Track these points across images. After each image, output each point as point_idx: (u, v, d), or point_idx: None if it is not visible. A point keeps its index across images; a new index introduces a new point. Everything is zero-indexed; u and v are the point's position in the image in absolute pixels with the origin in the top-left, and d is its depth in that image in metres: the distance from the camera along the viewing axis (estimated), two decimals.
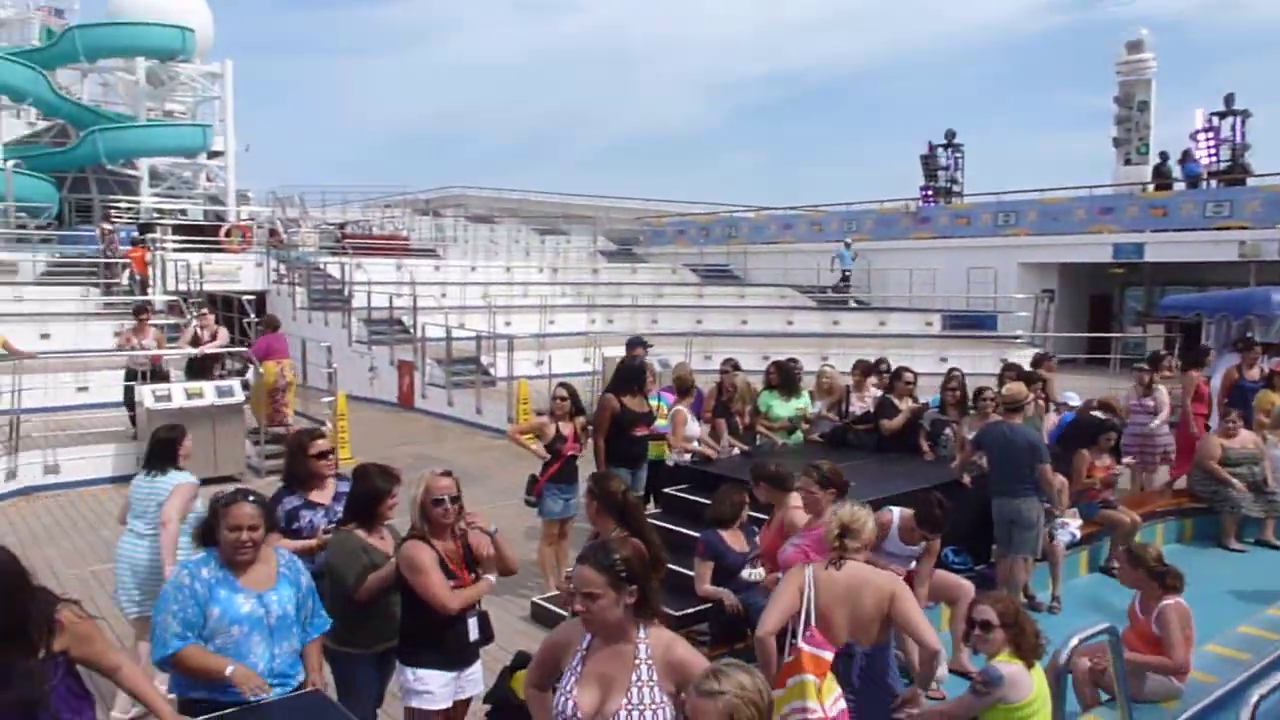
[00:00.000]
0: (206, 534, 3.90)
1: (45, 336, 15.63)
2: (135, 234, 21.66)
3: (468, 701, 4.59)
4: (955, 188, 29.46)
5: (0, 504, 10.69)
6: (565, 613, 5.90)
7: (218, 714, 3.65)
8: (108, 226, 21.44)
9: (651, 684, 3.06)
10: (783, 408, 8.97)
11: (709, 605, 5.99)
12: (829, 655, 4.00)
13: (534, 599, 7.48)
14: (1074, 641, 3.86)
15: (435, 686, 4.33)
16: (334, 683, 4.56)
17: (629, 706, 3.02)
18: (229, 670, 3.65)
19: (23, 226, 23.30)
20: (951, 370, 9.30)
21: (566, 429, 7.75)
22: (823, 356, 17.11)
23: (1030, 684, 4.42)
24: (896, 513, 6.12)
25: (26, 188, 24.42)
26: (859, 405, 9.32)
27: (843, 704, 4.00)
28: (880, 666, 4.32)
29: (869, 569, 4.32)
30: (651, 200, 39.07)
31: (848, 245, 26.16)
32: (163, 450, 5.94)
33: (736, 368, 9.41)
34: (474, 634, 4.41)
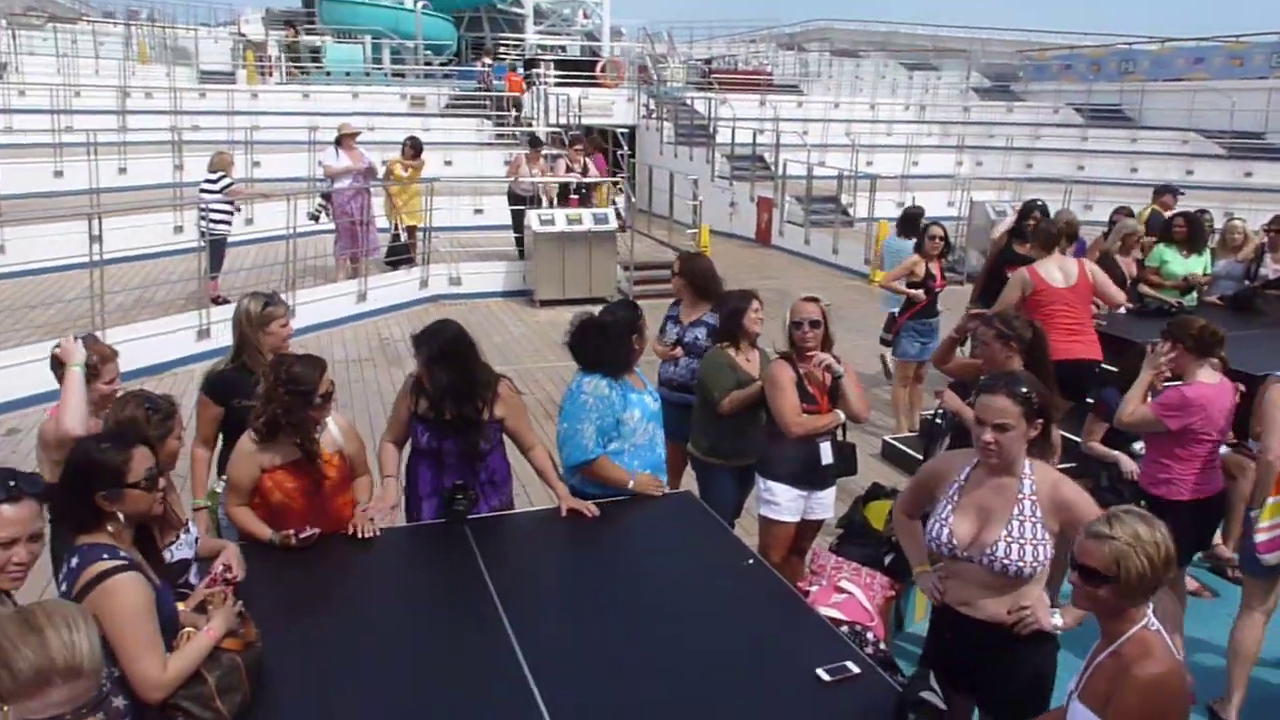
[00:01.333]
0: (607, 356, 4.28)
1: (448, 163, 17.37)
2: (508, 67, 23.35)
3: (818, 524, 4.78)
4: None
5: (415, 309, 12.29)
6: (915, 454, 5.90)
7: (606, 499, 4.10)
8: (487, 61, 23.15)
9: (1035, 519, 3.02)
10: (1180, 264, 8.08)
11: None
12: None
13: (886, 438, 7.53)
14: None
15: (784, 499, 4.56)
16: (698, 491, 4.93)
17: (1008, 539, 3.00)
18: (632, 481, 4.17)
19: (429, 63, 25.65)
20: None
21: (935, 268, 7.61)
22: (1228, 213, 15.10)
23: None
24: None
25: (431, 27, 26.79)
26: (1275, 268, 8.20)
27: None
28: None
29: None
30: (1034, 31, 35.39)
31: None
32: None
33: (1130, 215, 8.56)
34: (826, 458, 4.54)
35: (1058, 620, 3.02)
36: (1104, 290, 6.31)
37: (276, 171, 15.96)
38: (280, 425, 3.62)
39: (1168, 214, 9.79)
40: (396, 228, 13.17)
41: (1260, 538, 4.18)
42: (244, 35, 25.14)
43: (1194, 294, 8.10)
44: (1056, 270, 6.14)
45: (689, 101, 22.68)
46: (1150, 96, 26.01)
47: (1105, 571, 2.36)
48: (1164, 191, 11.16)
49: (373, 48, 25.93)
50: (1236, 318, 7.99)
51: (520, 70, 23.74)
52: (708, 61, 28.53)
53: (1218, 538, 5.39)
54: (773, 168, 18.26)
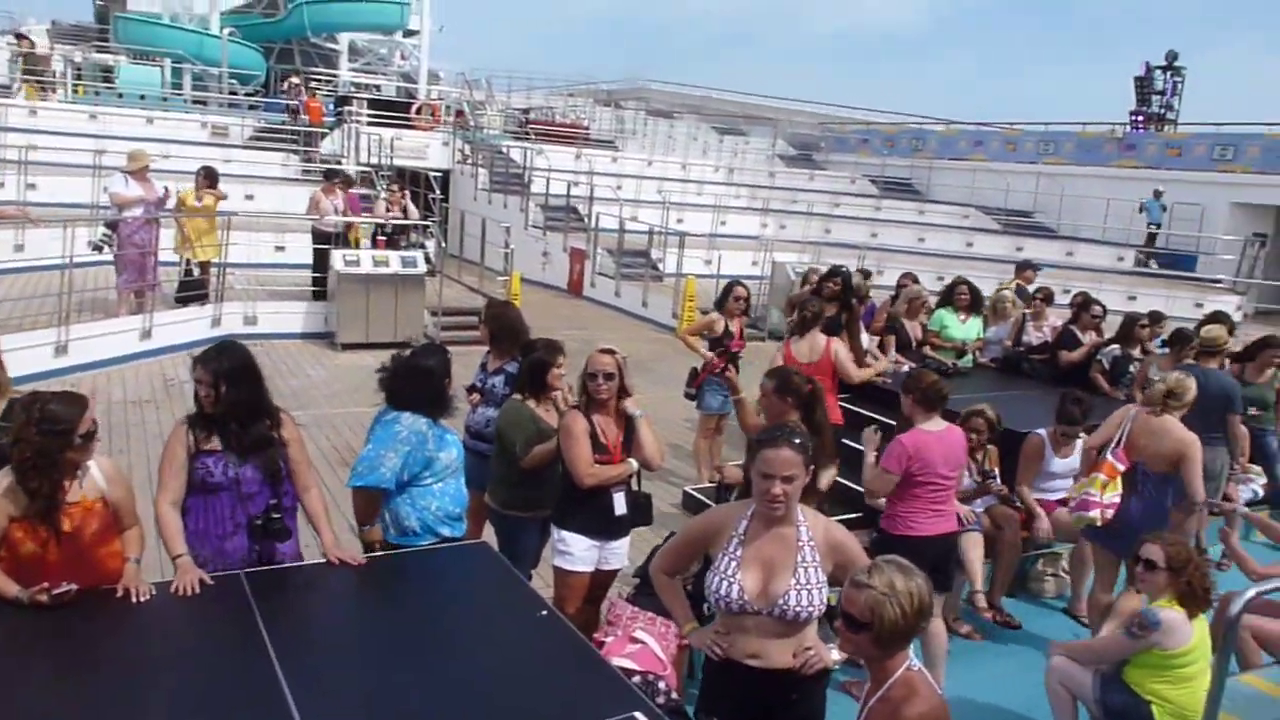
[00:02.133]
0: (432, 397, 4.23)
1: (250, 197, 16.65)
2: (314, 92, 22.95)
3: (613, 573, 4.78)
4: (1170, 115, 27.22)
5: (203, 346, 11.60)
6: (713, 504, 6.02)
7: (394, 552, 3.95)
8: (294, 81, 22.57)
9: (815, 564, 3.12)
10: (958, 329, 8.69)
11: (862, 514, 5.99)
12: (1123, 467, 5.50)
13: (686, 488, 7.65)
14: (1250, 594, 3.67)
15: (578, 549, 4.53)
16: (497, 543, 4.84)
17: (797, 587, 3.07)
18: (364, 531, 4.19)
19: (234, 93, 24.65)
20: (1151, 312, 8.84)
21: (735, 326, 7.84)
22: (1001, 282, 16.41)
23: (1189, 633, 4.25)
24: (1043, 431, 6.30)
25: (238, 56, 25.81)
26: (1035, 335, 8.94)
27: (1116, 500, 5.45)
28: (1160, 490, 5.54)
29: (1179, 426, 5.51)
30: (836, 106, 37.56)
31: (1158, 194, 22.37)
32: None
33: (915, 281, 9.15)
34: (620, 508, 4.55)
35: (836, 655, 3.13)
36: (843, 368, 6.92)
37: (56, 196, 14.87)
38: (31, 471, 3.28)
39: (1031, 287, 10.93)
40: (188, 263, 12.43)
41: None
42: (26, 45, 23.36)
43: (969, 356, 8.72)
44: (805, 347, 6.90)
45: (505, 150, 22.75)
46: (937, 173, 28.17)
47: (862, 619, 2.48)
48: (1025, 267, 12.20)
49: (173, 72, 24.71)
50: (1005, 379, 8.66)
51: (330, 106, 23.17)
52: (526, 111, 28.74)
53: (979, 584, 5.72)
54: (586, 220, 18.48)
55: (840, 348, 7.00)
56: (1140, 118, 27.06)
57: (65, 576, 3.30)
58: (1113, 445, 5.62)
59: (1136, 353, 8.08)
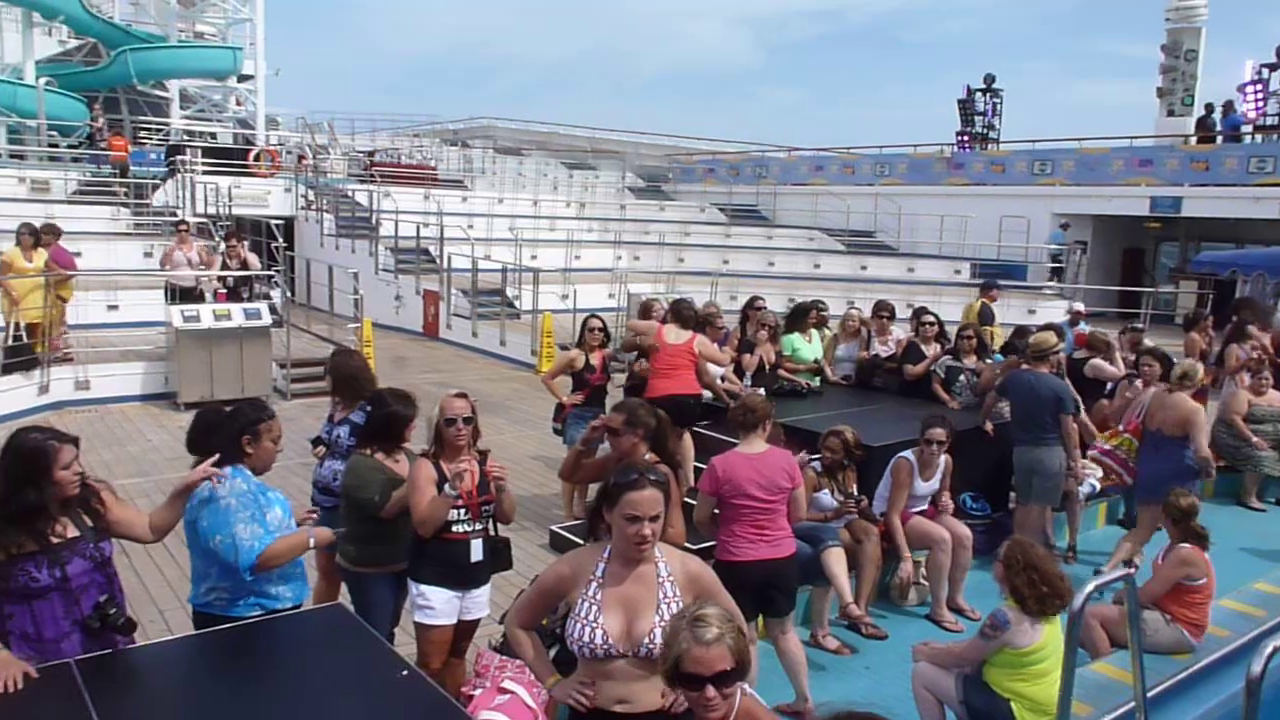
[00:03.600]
0: (233, 450, 3.94)
1: (77, 255, 15.68)
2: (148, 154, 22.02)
3: (475, 623, 4.65)
4: (992, 134, 28.90)
5: (32, 417, 10.86)
6: (583, 541, 5.97)
7: (241, 622, 3.74)
8: (97, 123, 21.66)
9: (676, 600, 3.08)
10: (807, 349, 8.93)
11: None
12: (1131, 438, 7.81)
13: (553, 528, 7.57)
14: (1089, 588, 3.86)
15: (438, 603, 4.40)
16: (351, 602, 4.66)
17: (661, 624, 3.01)
18: (311, 537, 3.99)
19: (54, 145, 23.36)
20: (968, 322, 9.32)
21: (595, 359, 7.89)
22: (849, 301, 17.00)
23: (1037, 632, 4.43)
24: (909, 454, 6.46)
25: (58, 106, 24.44)
26: (881, 349, 9.26)
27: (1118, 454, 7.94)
28: (1174, 450, 7.10)
29: (1188, 400, 7.14)
30: (682, 137, 38.43)
31: (1064, 227, 23.62)
32: None
33: (760, 308, 9.34)
34: (476, 555, 4.43)
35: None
36: (708, 354, 7.69)
37: None
38: None
39: (993, 305, 11.82)
40: (16, 327, 11.64)
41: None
42: None
43: (819, 376, 8.96)
44: (674, 335, 7.61)
45: (350, 193, 22.25)
46: (781, 199, 29.06)
47: (740, 666, 2.48)
48: (989, 287, 13.34)
49: None
50: (857, 395, 8.93)
51: (160, 155, 22.24)
52: (370, 154, 28.26)
53: (849, 597, 5.85)
54: (438, 261, 18.23)
55: (705, 341, 7.71)
56: (965, 137, 28.63)
57: None
58: (1134, 414, 7.90)
59: (969, 362, 8.45)
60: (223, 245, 14.40)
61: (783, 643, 5.10)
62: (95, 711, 3.10)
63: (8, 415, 10.73)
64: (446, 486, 4.27)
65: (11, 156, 22.17)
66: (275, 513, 3.94)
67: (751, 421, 5.10)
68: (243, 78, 29.98)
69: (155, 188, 20.61)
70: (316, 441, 5.48)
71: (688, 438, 7.69)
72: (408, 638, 4.81)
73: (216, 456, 3.80)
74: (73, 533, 3.50)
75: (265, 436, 4.00)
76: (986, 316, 13.08)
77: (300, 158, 24.15)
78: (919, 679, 4.73)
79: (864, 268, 23.29)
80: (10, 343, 11.50)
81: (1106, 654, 5.46)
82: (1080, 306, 12.71)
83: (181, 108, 28.95)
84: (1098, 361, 9.14)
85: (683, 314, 7.81)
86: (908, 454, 6.51)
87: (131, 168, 21.57)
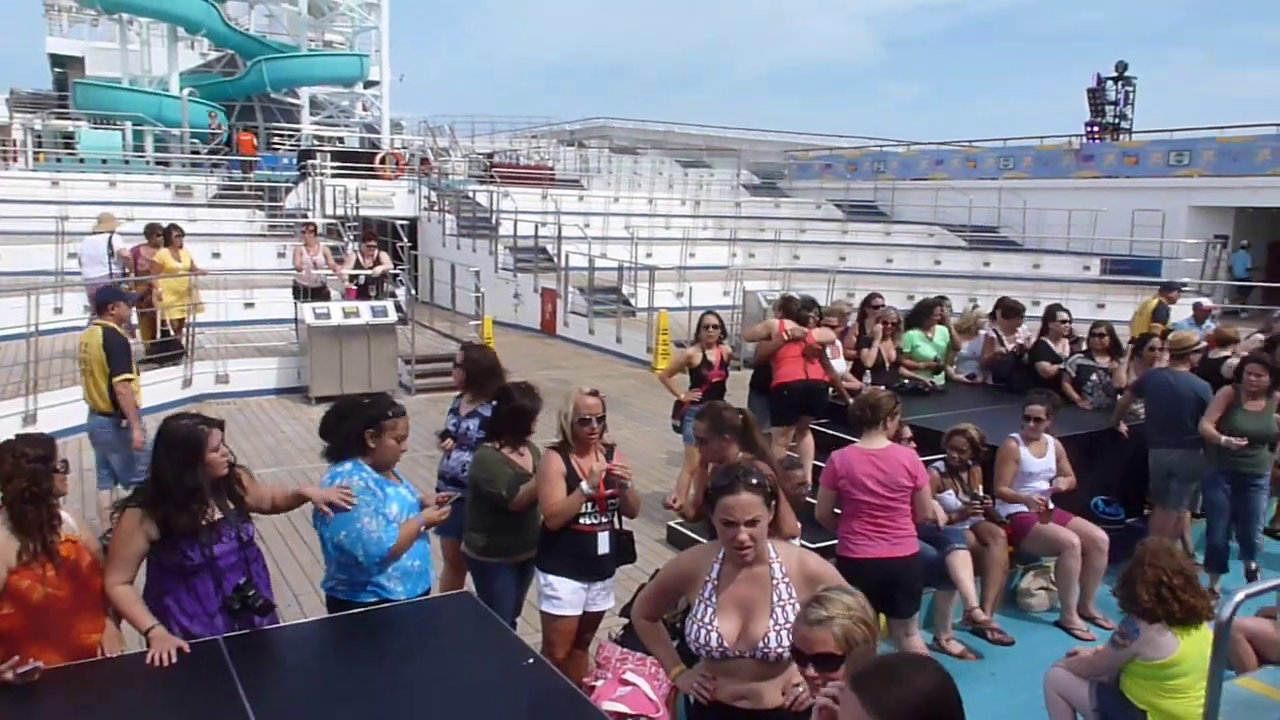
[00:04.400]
0: (355, 444, 4.06)
1: (216, 255, 16.55)
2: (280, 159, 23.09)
3: (600, 614, 4.71)
4: (1124, 124, 27.66)
5: (177, 409, 11.46)
6: (701, 539, 5.99)
7: (377, 607, 3.88)
8: (218, 124, 22.77)
9: (793, 601, 3.04)
10: (928, 347, 8.72)
11: None
12: None
13: (670, 523, 7.59)
14: (1239, 597, 3.62)
15: (564, 593, 4.47)
16: (476, 590, 4.77)
17: (776, 627, 3.00)
18: (422, 523, 4.10)
19: (196, 152, 24.62)
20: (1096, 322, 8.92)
21: (713, 355, 7.89)
22: (971, 298, 16.56)
23: (1172, 645, 4.19)
24: (1015, 434, 6.38)
25: (199, 115, 25.78)
26: (1009, 347, 8.96)
27: None
28: None
29: None
30: (797, 134, 38.02)
31: (1245, 247, 22.24)
32: None
33: (878, 306, 9.17)
34: (603, 548, 4.50)
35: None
36: (821, 337, 7.76)
37: (18, 264, 14.73)
38: (29, 505, 3.37)
39: (1172, 306, 11.88)
40: (163, 323, 12.33)
41: None
42: None
43: (942, 374, 8.74)
44: (795, 327, 7.69)
45: (471, 194, 22.78)
46: (900, 194, 28.46)
47: (840, 651, 2.43)
48: (1170, 288, 12.72)
49: (134, 134, 24.64)
50: (982, 395, 8.68)
51: (292, 160, 23.22)
52: (490, 156, 28.84)
53: (974, 601, 5.70)
54: (555, 259, 18.52)
55: (825, 331, 7.88)
56: (1095, 128, 27.46)
57: (76, 614, 3.41)
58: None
59: (1101, 361, 8.12)
60: (353, 245, 14.95)
61: (906, 645, 5.00)
62: (242, 686, 3.27)
63: (155, 406, 11.33)
64: (584, 484, 4.35)
65: (157, 164, 23.45)
66: (393, 508, 4.01)
67: (873, 417, 5.04)
68: (369, 84, 31.07)
69: (288, 191, 21.52)
70: (444, 434, 5.62)
71: (809, 436, 7.63)
72: (530, 628, 4.90)
73: (351, 485, 3.94)
74: (217, 515, 3.72)
75: (389, 433, 4.04)
76: (1161, 315, 12.18)
77: (423, 160, 24.85)
78: (1052, 684, 4.57)
79: (987, 264, 22.60)
80: (159, 338, 12.19)
81: (1253, 669, 5.17)
82: (1206, 301, 11.93)
83: (311, 114, 30.14)
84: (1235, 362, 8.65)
85: (792, 309, 7.85)
86: (1014, 434, 6.36)
87: (264, 169, 22.59)
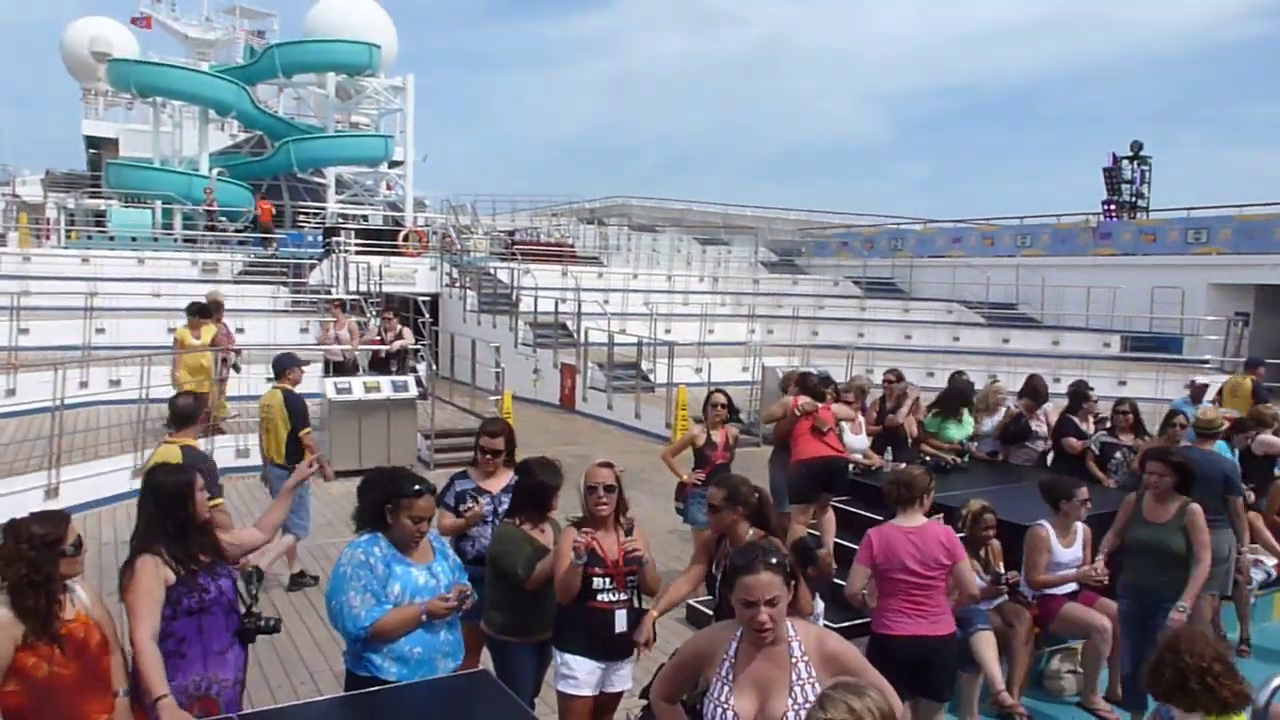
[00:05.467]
0: (373, 516, 4.04)
1: (240, 330, 16.71)
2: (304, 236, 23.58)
3: (619, 695, 4.63)
4: (1140, 203, 27.82)
5: None
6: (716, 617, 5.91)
7: (391, 686, 3.83)
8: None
9: (811, 680, 3.01)
10: (956, 429, 8.69)
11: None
12: None
13: (690, 602, 7.48)
14: (1277, 682, 3.54)
15: (581, 673, 4.40)
16: (494, 670, 4.71)
17: (795, 707, 2.95)
18: (423, 611, 3.89)
19: (223, 229, 25.10)
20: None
21: (718, 436, 7.82)
22: (991, 375, 16.50)
23: None
24: (1045, 521, 6.19)
25: (228, 194, 26.41)
26: (1034, 424, 8.91)
27: None
28: None
29: None
30: (814, 211, 38.62)
31: None
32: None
33: (900, 378, 9.16)
34: (620, 625, 4.43)
35: None
36: (839, 413, 7.81)
37: (48, 340, 14.94)
38: (28, 590, 3.33)
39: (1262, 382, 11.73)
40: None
41: None
42: (18, 196, 23.90)
43: (967, 454, 8.69)
44: (805, 400, 7.60)
45: (492, 271, 23.06)
46: (918, 271, 28.59)
47: None
48: (1256, 365, 12.56)
49: (163, 213, 25.18)
50: (999, 471, 8.62)
51: (318, 238, 23.64)
52: (511, 233, 29.27)
53: (1000, 683, 5.57)
54: (575, 335, 18.63)
55: (840, 407, 7.90)
56: (1112, 206, 27.64)
57: (82, 693, 3.39)
58: None
59: (1125, 439, 8.05)
60: (374, 320, 15.12)
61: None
62: None
63: None
64: (572, 555, 4.29)
65: (186, 241, 23.91)
66: (394, 588, 3.90)
67: (909, 496, 5.02)
68: (393, 163, 31.76)
69: (312, 267, 21.85)
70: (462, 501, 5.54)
71: (830, 513, 7.56)
72: (548, 709, 4.82)
73: (315, 458, 4.07)
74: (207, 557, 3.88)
75: (404, 512, 3.95)
76: (1261, 395, 11.43)
77: (445, 237, 25.23)
78: None
79: (1006, 340, 22.57)
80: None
81: None
82: (1201, 379, 11.47)
83: (337, 192, 30.75)
84: (1267, 437, 8.54)
85: (808, 385, 7.81)
86: (1042, 521, 6.20)
87: (288, 244, 23.00)
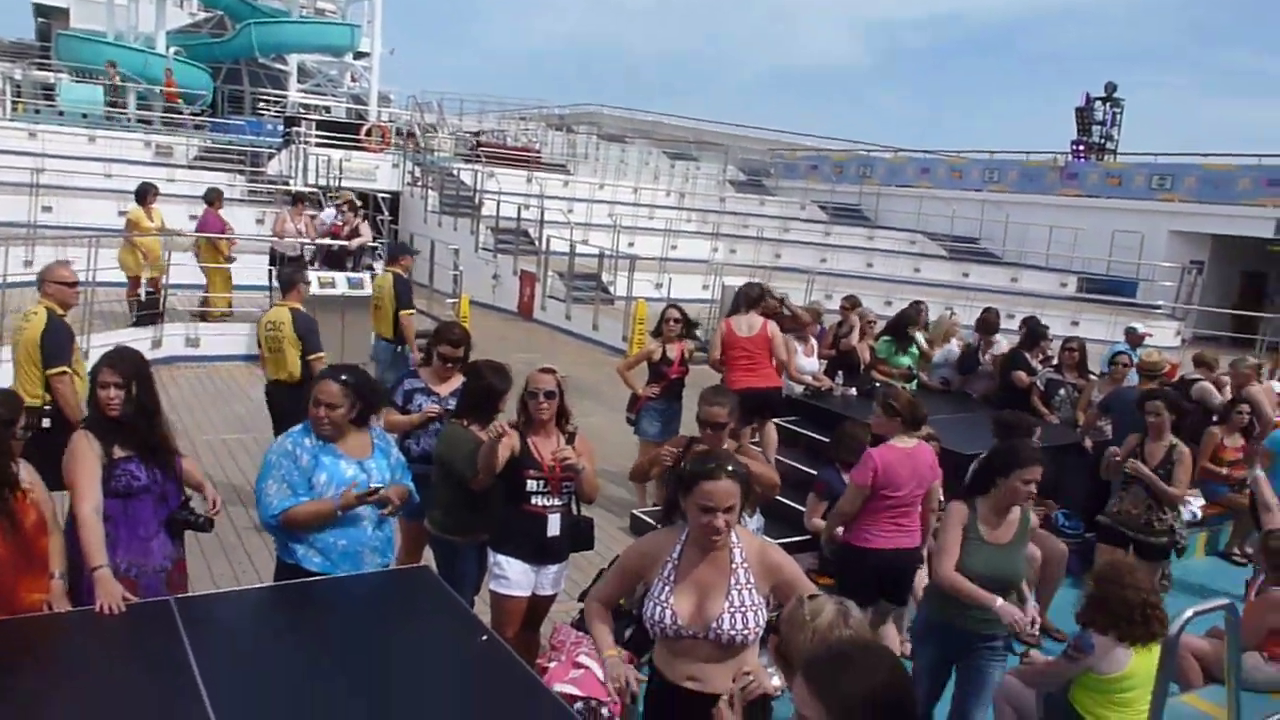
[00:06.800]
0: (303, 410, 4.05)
1: (193, 217, 16.33)
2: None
3: (550, 598, 4.69)
4: (1109, 145, 27.88)
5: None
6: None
7: (331, 577, 3.84)
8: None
9: (750, 586, 3.09)
10: (906, 356, 8.78)
11: (810, 537, 6.00)
12: None
13: (634, 512, 7.60)
14: (1187, 614, 3.68)
15: (513, 574, 4.46)
16: (436, 568, 4.75)
17: (730, 609, 3.05)
18: (338, 503, 3.80)
19: (179, 112, 24.31)
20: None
21: (673, 351, 7.81)
22: (948, 307, 16.65)
23: (1124, 660, 4.24)
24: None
25: (185, 75, 25.45)
26: (984, 358, 9.04)
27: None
28: None
29: None
30: (786, 133, 37.99)
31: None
32: None
33: (856, 305, 9.21)
34: (553, 530, 4.47)
35: (777, 681, 3.08)
36: (775, 346, 7.42)
37: None
38: None
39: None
40: (147, 283, 12.22)
41: None
42: None
43: (915, 381, 8.81)
44: (744, 324, 7.40)
45: (456, 172, 22.62)
46: (885, 200, 28.55)
47: None
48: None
49: (118, 90, 24.31)
50: (958, 401, 8.78)
51: (278, 127, 23.03)
52: (477, 134, 28.64)
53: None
54: (537, 243, 18.44)
55: (776, 329, 7.48)
56: (1081, 147, 27.68)
57: (14, 572, 3.34)
58: None
59: (1070, 377, 8.19)
60: (332, 212, 14.82)
61: (882, 633, 5.18)
62: (190, 647, 3.23)
63: None
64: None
65: (140, 121, 23.15)
66: (321, 478, 3.86)
67: (913, 419, 5.14)
68: (359, 55, 30.79)
69: (270, 157, 21.31)
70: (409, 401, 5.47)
71: (771, 427, 7.63)
72: (486, 607, 4.88)
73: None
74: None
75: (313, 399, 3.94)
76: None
77: (409, 135, 24.66)
78: (1001, 692, 4.62)
79: (966, 275, 22.76)
80: (143, 298, 12.08)
81: (1198, 687, 5.24)
82: (1141, 327, 10.80)
83: (299, 82, 29.82)
84: (1207, 385, 8.73)
85: (750, 295, 7.61)
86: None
87: (241, 129, 22.42)
